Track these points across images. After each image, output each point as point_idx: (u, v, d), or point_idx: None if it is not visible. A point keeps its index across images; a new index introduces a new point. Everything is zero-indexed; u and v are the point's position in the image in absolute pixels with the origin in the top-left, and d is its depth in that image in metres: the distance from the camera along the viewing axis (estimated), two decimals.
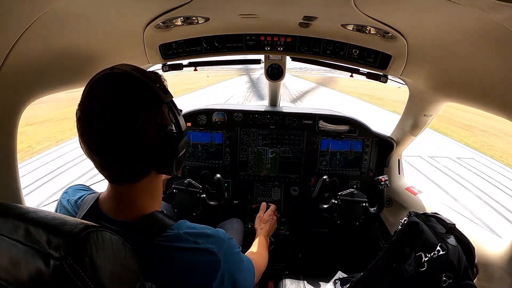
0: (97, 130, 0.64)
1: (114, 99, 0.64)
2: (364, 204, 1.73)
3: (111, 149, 0.65)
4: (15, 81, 0.87)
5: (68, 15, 0.86)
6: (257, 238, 1.43)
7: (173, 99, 0.75)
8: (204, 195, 1.71)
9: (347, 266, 1.72)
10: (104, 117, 0.63)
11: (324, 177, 1.76)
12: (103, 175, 0.71)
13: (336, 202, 1.75)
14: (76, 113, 0.66)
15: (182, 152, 0.79)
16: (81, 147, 0.68)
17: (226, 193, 1.91)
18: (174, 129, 0.73)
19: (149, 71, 0.74)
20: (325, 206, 1.79)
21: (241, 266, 0.84)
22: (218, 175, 1.74)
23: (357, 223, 1.77)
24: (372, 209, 1.76)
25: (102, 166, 0.69)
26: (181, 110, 0.86)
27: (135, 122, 0.64)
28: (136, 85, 0.67)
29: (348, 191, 1.75)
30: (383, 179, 1.67)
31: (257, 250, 1.29)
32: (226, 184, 2.16)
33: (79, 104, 0.66)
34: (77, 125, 0.66)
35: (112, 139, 0.64)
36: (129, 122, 0.64)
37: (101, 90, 0.65)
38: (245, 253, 1.10)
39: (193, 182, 1.72)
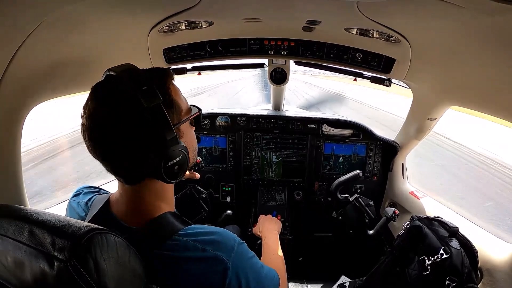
0: (91, 136, 0.65)
1: (101, 106, 0.64)
2: (367, 221, 1.64)
3: (105, 155, 0.67)
4: (19, 86, 0.88)
5: (71, 20, 0.87)
6: (264, 245, 1.25)
7: (160, 102, 0.66)
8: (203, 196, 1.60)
9: (351, 271, 1.70)
10: (96, 124, 0.64)
11: (358, 171, 1.71)
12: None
13: (350, 199, 1.67)
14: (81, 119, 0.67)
15: (173, 161, 0.69)
16: None
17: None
18: (166, 136, 0.67)
19: (146, 70, 0.72)
20: (343, 196, 1.70)
21: (258, 274, 0.76)
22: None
23: (350, 231, 1.69)
24: (370, 231, 1.65)
25: (107, 169, 0.70)
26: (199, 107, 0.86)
27: (118, 128, 0.64)
28: (120, 90, 0.65)
29: (368, 200, 1.66)
30: (396, 212, 1.57)
31: (271, 257, 1.13)
32: (229, 188, 2.16)
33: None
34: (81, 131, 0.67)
35: (104, 146, 0.65)
36: (114, 128, 0.64)
37: (95, 96, 0.66)
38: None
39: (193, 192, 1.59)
